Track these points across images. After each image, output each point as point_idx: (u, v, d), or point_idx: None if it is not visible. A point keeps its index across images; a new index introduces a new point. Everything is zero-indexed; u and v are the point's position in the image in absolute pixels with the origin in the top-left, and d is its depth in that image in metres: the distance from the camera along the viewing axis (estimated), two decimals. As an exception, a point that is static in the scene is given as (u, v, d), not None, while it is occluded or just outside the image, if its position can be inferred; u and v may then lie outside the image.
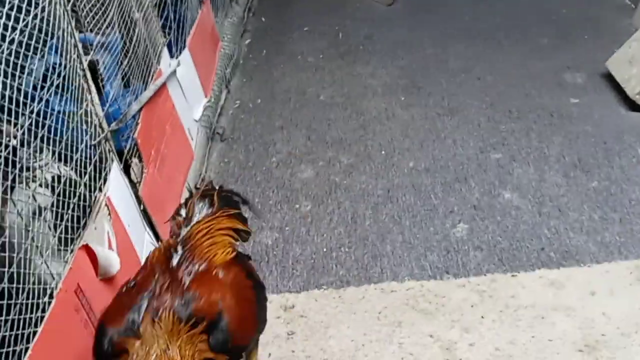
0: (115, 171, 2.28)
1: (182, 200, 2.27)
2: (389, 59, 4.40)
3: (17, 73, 1.65)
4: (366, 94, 4.02)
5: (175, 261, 1.80)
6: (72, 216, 1.93)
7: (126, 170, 2.47)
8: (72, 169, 1.98)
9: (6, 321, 1.51)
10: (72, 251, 1.90)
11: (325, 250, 2.85)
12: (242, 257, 2.01)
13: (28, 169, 1.73)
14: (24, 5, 1.71)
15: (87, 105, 2.12)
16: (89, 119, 2.13)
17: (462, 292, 2.55)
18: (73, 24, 2.07)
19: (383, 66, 4.31)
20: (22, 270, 1.61)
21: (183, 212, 2.13)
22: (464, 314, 2.45)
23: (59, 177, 1.88)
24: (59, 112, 1.92)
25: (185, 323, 1.60)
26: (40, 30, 1.80)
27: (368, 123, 3.73)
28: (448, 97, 3.89)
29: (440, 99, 3.88)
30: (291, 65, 4.45)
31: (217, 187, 2.30)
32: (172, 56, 3.19)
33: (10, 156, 1.60)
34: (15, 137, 1.58)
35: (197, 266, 1.80)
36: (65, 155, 1.95)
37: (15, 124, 1.64)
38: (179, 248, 1.87)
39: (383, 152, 3.46)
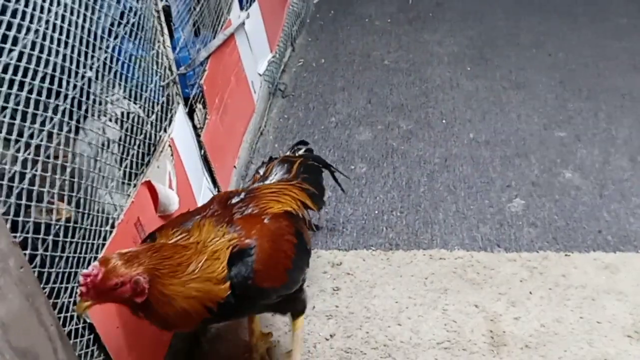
0: (180, 114, 2.33)
1: (265, 159, 2.42)
2: (458, 28, 4.31)
3: (97, 7, 1.70)
4: (431, 62, 3.96)
5: (233, 201, 1.93)
6: (137, 152, 2.00)
7: (190, 115, 2.52)
8: (140, 107, 2.03)
9: (71, 243, 1.59)
10: (134, 186, 1.97)
11: (376, 212, 2.86)
12: (296, 218, 2.04)
13: (100, 102, 1.79)
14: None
15: (158, 47, 2.16)
16: (160, 61, 2.18)
17: (512, 266, 2.53)
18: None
19: (451, 35, 4.23)
20: (87, 197, 1.68)
21: (262, 170, 2.29)
22: (511, 288, 2.43)
23: (128, 113, 1.94)
24: (132, 50, 1.97)
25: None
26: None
27: (431, 91, 3.68)
28: (516, 71, 3.80)
29: (507, 72, 3.79)
30: (358, 28, 4.41)
31: (302, 155, 2.39)
32: (242, 8, 3.21)
33: (85, 87, 1.66)
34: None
35: (250, 209, 1.90)
36: (135, 93, 2.01)
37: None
38: (242, 193, 2.00)
39: (444, 121, 3.42)
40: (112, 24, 1.82)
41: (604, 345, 2.18)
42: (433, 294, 2.44)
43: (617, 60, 3.80)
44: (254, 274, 1.71)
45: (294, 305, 2.04)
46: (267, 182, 2.17)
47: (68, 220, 1.54)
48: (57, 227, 1.53)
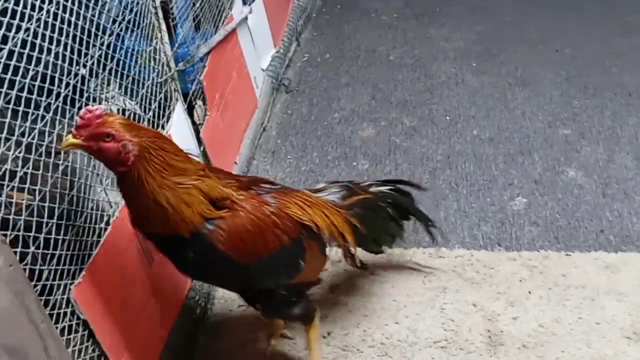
0: (179, 110, 2.33)
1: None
2: (465, 23, 4.28)
3: (91, 4, 1.70)
4: (437, 57, 3.93)
5: (262, 184, 1.89)
6: (134, 149, 1.99)
7: (190, 111, 2.52)
8: (137, 103, 2.04)
9: (64, 240, 1.60)
10: (131, 183, 1.97)
11: (377, 209, 2.84)
12: (312, 235, 1.92)
13: (95, 100, 1.79)
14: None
15: (156, 43, 2.16)
16: (158, 57, 2.18)
17: (512, 265, 2.51)
18: (149, -39, 2.11)
19: (458, 30, 4.20)
20: (82, 195, 1.69)
21: (319, 185, 2.18)
22: (510, 287, 2.41)
23: (124, 110, 1.94)
24: (128, 47, 1.97)
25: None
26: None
27: (436, 87, 3.66)
28: (522, 67, 3.76)
29: (513, 68, 3.76)
30: (364, 23, 4.39)
31: (372, 192, 2.20)
32: (244, 3, 3.20)
33: (79, 85, 1.67)
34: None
35: (267, 196, 1.83)
36: (132, 90, 2.01)
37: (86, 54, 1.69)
38: (278, 186, 1.95)
39: (447, 118, 3.40)
40: (107, 21, 1.82)
41: (602, 346, 2.17)
42: (431, 292, 2.43)
43: (625, 57, 3.76)
44: (215, 232, 1.67)
45: (290, 308, 1.97)
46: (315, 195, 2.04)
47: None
48: (49, 224, 1.54)
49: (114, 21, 1.85)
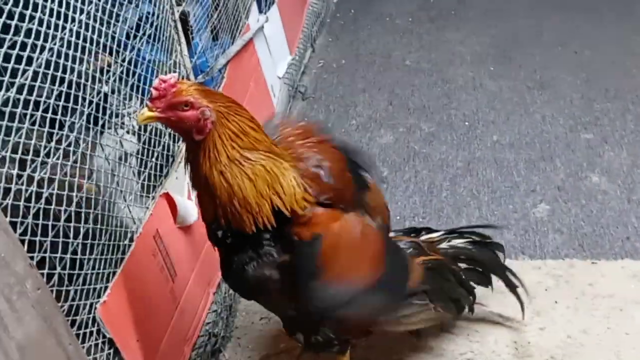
0: (198, 123, 2.31)
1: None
2: (481, 26, 4.24)
3: (112, 21, 1.69)
4: (454, 61, 3.90)
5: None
6: (156, 164, 1.99)
7: (209, 122, 2.50)
8: (158, 118, 2.02)
9: (89, 260, 1.59)
10: (153, 198, 1.96)
11: (398, 218, 2.81)
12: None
13: (117, 116, 1.78)
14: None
15: (176, 56, 2.15)
16: (178, 70, 2.16)
17: (536, 274, 2.47)
18: (167, -26, 2.09)
19: (474, 34, 4.16)
20: (106, 213, 1.68)
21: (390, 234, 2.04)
22: (536, 297, 2.36)
23: (145, 125, 1.92)
24: (149, 61, 1.96)
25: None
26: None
27: (453, 92, 3.62)
28: (540, 70, 3.72)
29: (532, 71, 3.72)
30: (378, 27, 4.36)
31: (448, 254, 2.07)
32: (260, 12, 3.19)
33: (102, 102, 1.66)
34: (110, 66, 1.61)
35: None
36: (153, 105, 1.99)
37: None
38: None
39: (466, 123, 3.36)
40: (127, 36, 1.81)
41: (632, 358, 2.12)
42: (456, 303, 2.39)
43: (645, 58, 3.71)
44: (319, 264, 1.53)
45: (330, 348, 1.88)
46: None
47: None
48: (74, 244, 1.52)
49: (134, 36, 1.84)
